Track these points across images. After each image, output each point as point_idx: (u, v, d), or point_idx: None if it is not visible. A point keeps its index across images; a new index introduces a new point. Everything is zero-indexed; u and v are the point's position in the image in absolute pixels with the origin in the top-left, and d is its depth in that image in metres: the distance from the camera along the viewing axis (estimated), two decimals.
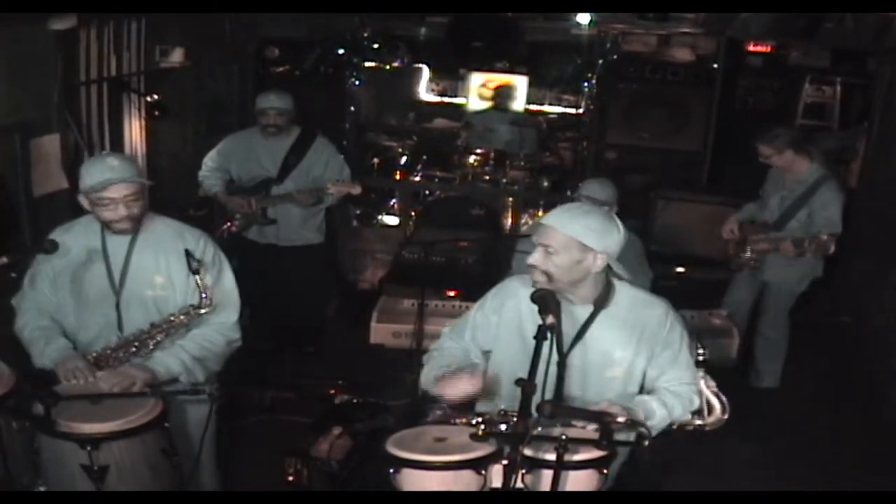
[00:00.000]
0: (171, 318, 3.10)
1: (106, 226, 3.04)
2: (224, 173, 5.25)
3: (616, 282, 2.81)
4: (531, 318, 2.70)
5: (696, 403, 2.76)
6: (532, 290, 2.64)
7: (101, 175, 2.95)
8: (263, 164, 5.17)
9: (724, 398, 2.65)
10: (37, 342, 3.08)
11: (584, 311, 2.77)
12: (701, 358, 2.53)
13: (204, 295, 3.06)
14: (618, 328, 2.77)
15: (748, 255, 5.03)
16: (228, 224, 5.19)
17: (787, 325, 5.23)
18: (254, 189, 5.17)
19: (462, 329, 3.00)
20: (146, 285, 3.11)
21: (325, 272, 5.77)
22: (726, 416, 2.65)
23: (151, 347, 3.10)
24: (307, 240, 5.33)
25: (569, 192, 6.98)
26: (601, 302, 2.76)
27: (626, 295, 2.81)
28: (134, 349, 3.08)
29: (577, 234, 2.65)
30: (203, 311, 3.09)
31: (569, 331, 2.75)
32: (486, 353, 2.97)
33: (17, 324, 3.15)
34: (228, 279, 3.28)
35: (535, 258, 2.69)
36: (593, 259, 2.67)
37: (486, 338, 2.95)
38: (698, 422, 2.69)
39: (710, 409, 2.63)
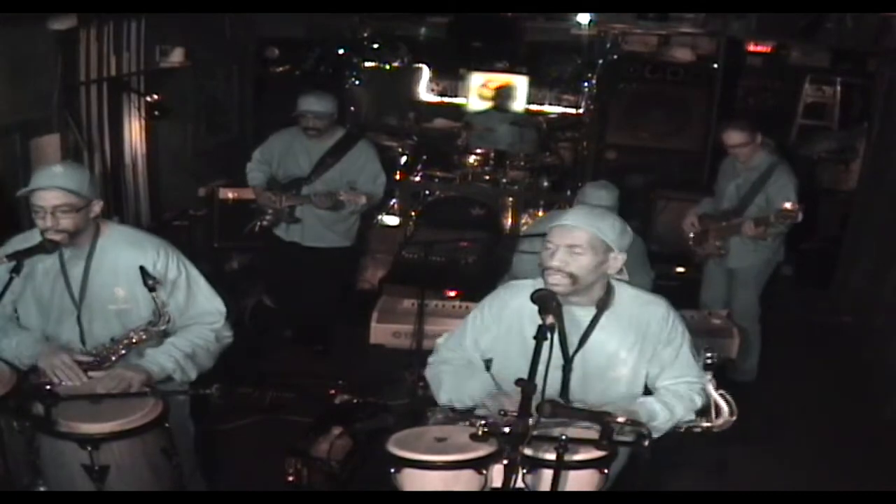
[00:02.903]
0: (131, 335, 3.04)
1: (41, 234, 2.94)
2: (268, 167, 5.28)
3: (614, 282, 2.80)
4: (532, 321, 2.69)
5: (699, 402, 2.76)
6: (533, 291, 2.61)
7: (36, 181, 2.89)
8: (300, 163, 5.18)
9: (730, 399, 2.65)
10: (5, 344, 2.99)
11: (586, 314, 2.75)
12: (709, 362, 2.54)
13: (160, 312, 2.99)
14: (622, 329, 2.76)
15: (714, 244, 5.13)
16: (260, 218, 5.22)
17: (758, 314, 5.24)
18: (285, 186, 5.18)
19: (461, 338, 2.96)
20: (108, 299, 3.04)
21: (342, 275, 5.74)
22: (734, 418, 2.65)
23: (114, 360, 3.03)
24: (331, 242, 5.30)
25: (569, 192, 6.98)
26: (603, 303, 2.75)
27: (627, 295, 2.81)
28: (96, 363, 3.00)
29: (604, 234, 2.64)
30: (161, 327, 3.02)
31: (572, 334, 2.74)
32: (487, 361, 2.93)
33: None
34: (202, 287, 3.18)
35: (559, 260, 2.63)
36: (613, 260, 2.68)
37: (486, 346, 2.92)
38: (706, 423, 2.69)
39: (718, 411, 2.63)
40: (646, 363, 2.78)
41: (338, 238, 5.33)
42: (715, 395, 2.58)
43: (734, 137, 4.98)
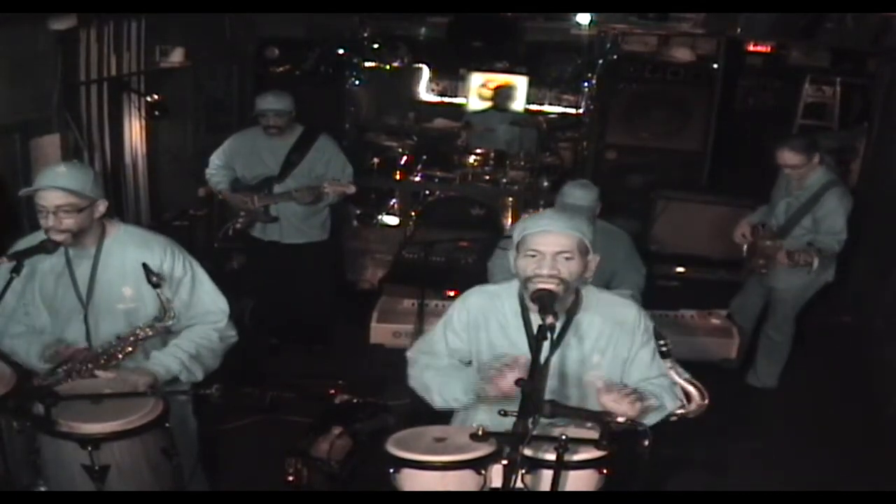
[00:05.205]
0: (137, 331, 3.04)
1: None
2: (230, 171, 5.29)
3: (582, 287, 2.75)
4: (500, 325, 2.73)
5: (680, 390, 2.76)
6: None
7: (38, 181, 2.89)
8: (266, 163, 5.20)
9: (699, 384, 2.65)
10: (18, 348, 3.02)
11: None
12: (664, 349, 2.54)
13: (165, 307, 3.00)
14: (594, 333, 2.72)
15: (758, 261, 4.97)
16: (232, 221, 5.22)
17: (793, 328, 5.20)
18: (256, 187, 5.20)
19: (432, 343, 2.93)
20: (115, 298, 3.05)
21: (328, 269, 5.76)
22: (706, 402, 2.65)
23: (121, 359, 3.03)
24: (310, 237, 5.35)
25: None
26: (573, 309, 2.71)
27: (596, 298, 2.77)
28: (103, 361, 3.01)
29: (587, 237, 2.62)
30: (167, 323, 3.03)
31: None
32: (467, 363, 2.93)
33: None
34: (206, 286, 3.20)
35: (550, 267, 2.56)
36: (590, 262, 2.66)
37: (464, 354, 2.89)
38: (680, 411, 2.68)
39: (689, 396, 2.63)
40: (621, 365, 2.74)
41: (315, 232, 5.37)
42: (681, 381, 2.58)
43: (789, 158, 4.76)
